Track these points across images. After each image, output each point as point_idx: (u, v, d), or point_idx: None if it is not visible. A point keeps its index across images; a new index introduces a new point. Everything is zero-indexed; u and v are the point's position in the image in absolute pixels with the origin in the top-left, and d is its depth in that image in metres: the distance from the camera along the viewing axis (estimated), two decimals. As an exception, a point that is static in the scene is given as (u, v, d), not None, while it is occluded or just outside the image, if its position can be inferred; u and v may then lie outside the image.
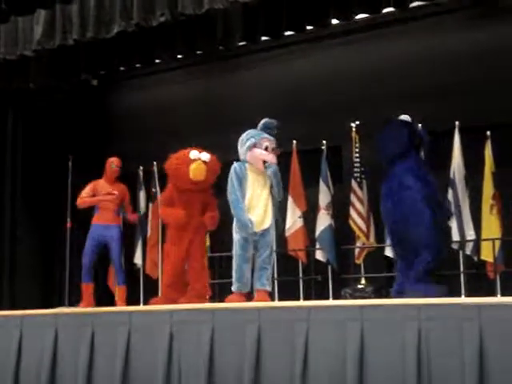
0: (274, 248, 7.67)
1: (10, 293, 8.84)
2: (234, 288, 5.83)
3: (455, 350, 4.36)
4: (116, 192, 7.35)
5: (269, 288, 5.78)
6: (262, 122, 6.01)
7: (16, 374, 5.81)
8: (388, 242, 7.93)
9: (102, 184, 7.43)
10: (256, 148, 5.87)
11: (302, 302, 5.43)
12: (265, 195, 5.83)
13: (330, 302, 5.39)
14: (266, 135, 5.93)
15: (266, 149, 5.88)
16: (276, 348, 4.93)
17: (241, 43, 8.07)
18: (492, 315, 4.34)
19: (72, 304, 6.86)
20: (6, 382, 5.80)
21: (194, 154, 6.20)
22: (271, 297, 5.84)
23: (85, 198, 7.26)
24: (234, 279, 5.84)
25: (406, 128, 5.92)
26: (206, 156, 6.24)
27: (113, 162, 7.47)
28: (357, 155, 8.19)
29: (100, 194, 7.36)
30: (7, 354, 5.87)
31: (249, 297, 5.79)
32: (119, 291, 7.51)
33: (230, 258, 8.52)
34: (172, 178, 6.35)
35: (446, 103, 7.74)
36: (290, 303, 5.27)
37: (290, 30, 7.73)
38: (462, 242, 7.43)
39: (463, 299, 5.07)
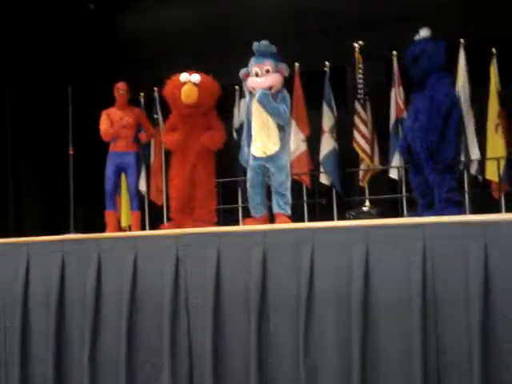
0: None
1: (16, 220, 8.91)
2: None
3: (460, 269, 4.37)
4: (130, 119, 7.34)
5: (286, 211, 5.74)
6: (253, 46, 5.85)
7: (25, 300, 5.86)
8: (393, 163, 7.93)
9: (114, 112, 7.41)
10: (249, 77, 5.78)
11: (306, 224, 5.43)
12: (266, 121, 5.73)
13: (335, 223, 5.37)
14: (255, 60, 5.78)
15: (257, 75, 5.73)
16: (281, 270, 4.95)
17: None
18: (497, 232, 4.33)
19: (77, 230, 6.87)
20: (15, 308, 5.85)
21: (183, 76, 6.05)
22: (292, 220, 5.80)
23: (106, 130, 7.29)
24: None
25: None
26: (195, 77, 6.05)
27: (119, 88, 7.41)
28: (360, 76, 8.08)
29: (115, 122, 7.35)
30: (15, 280, 5.90)
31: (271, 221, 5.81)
32: (134, 217, 7.60)
33: (236, 182, 8.66)
34: (170, 103, 6.28)
35: (450, 21, 7.58)
36: (294, 225, 5.27)
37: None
38: (467, 161, 7.40)
39: (468, 217, 5.06)
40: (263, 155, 5.70)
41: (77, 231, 6.81)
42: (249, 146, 5.86)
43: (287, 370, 4.84)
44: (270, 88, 5.68)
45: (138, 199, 7.67)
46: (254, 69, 5.75)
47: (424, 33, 5.65)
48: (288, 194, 5.73)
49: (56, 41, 9.30)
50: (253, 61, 5.79)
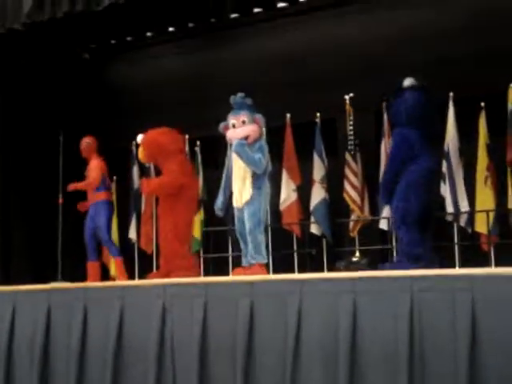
0: (268, 221, 7.79)
1: (4, 268, 8.84)
2: None
3: (447, 322, 4.36)
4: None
5: (259, 260, 5.72)
6: (230, 99, 6.00)
7: (9, 349, 5.82)
8: (383, 214, 7.94)
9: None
10: (227, 129, 5.94)
11: (294, 275, 5.43)
12: (243, 171, 5.82)
13: (323, 274, 5.37)
14: (232, 112, 5.94)
15: (234, 126, 5.88)
16: (269, 321, 4.93)
17: (233, 15, 7.99)
18: (484, 286, 4.33)
19: (65, 279, 6.85)
20: (0, 357, 5.80)
21: (138, 137, 6.56)
22: (266, 269, 5.79)
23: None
24: None
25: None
26: (139, 138, 6.54)
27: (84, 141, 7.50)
28: (351, 128, 8.14)
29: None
30: (0, 329, 5.86)
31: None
32: (116, 264, 7.54)
33: (224, 232, 8.65)
34: None
35: (440, 75, 7.67)
36: (282, 276, 5.26)
37: (284, 2, 7.65)
38: (456, 213, 7.42)
39: (455, 270, 5.06)
40: (239, 205, 5.76)
41: (64, 280, 6.78)
42: (223, 195, 6.06)
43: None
44: (247, 138, 5.80)
45: (113, 245, 7.58)
46: (231, 121, 5.92)
47: (407, 82, 5.75)
48: (258, 241, 5.71)
49: (48, 90, 9.36)
50: (230, 113, 5.96)
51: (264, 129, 6.09)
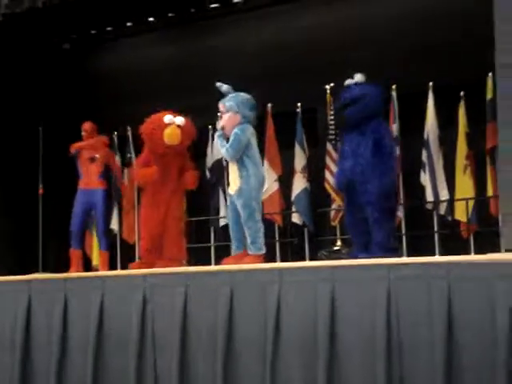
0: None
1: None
2: None
3: (424, 309, 4.40)
4: (97, 155, 7.32)
5: (254, 250, 5.71)
6: None
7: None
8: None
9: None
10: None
11: (273, 264, 5.44)
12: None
13: (302, 263, 5.40)
14: (220, 102, 5.94)
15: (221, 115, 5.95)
16: (248, 310, 4.95)
17: (212, 5, 7.98)
18: (461, 273, 4.37)
19: (46, 269, 6.85)
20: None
21: (168, 118, 6.16)
22: (261, 258, 5.78)
23: None
24: None
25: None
26: (180, 120, 6.21)
27: (84, 129, 7.44)
28: (331, 118, 8.16)
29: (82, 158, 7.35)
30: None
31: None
32: (102, 257, 7.49)
33: (207, 222, 8.68)
34: (147, 142, 6.33)
35: (419, 64, 7.72)
36: (261, 265, 5.27)
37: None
38: (436, 202, 7.48)
39: (432, 258, 5.09)
40: (231, 192, 5.79)
41: (45, 271, 6.77)
42: None
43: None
44: (223, 128, 5.86)
45: (106, 239, 7.56)
46: (220, 109, 5.96)
47: (358, 78, 5.83)
48: (254, 231, 5.72)
49: (28, 81, 9.31)
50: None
51: (251, 113, 6.00)
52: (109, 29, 8.79)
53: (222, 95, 5.93)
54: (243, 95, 5.94)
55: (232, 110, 5.83)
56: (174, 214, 6.25)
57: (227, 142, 5.79)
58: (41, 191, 7.40)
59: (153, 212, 6.25)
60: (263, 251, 5.75)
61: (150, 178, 6.19)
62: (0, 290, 5.91)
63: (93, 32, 8.73)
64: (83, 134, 7.41)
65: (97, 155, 7.34)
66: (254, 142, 5.85)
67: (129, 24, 8.66)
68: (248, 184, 5.71)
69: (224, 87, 5.94)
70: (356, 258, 5.37)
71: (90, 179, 7.32)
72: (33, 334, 5.71)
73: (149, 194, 6.34)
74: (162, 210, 6.21)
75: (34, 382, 5.68)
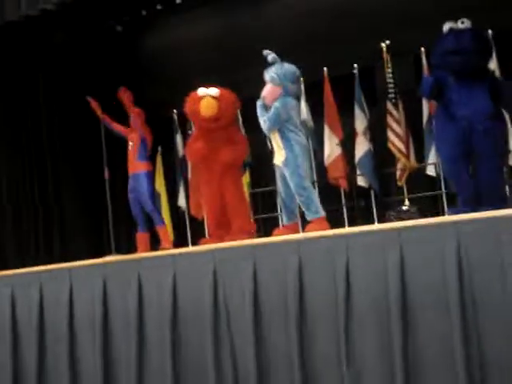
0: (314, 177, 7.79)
1: (61, 245, 9.09)
2: None
3: (497, 263, 4.30)
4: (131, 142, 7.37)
5: (313, 216, 5.73)
6: None
7: (70, 324, 5.98)
8: (429, 160, 7.83)
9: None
10: None
11: (338, 231, 5.38)
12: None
13: (367, 227, 5.32)
14: (265, 71, 5.91)
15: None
16: (317, 278, 4.94)
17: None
18: None
19: (119, 252, 6.99)
20: (62, 332, 5.98)
21: (201, 90, 6.17)
22: (323, 222, 5.77)
23: None
24: None
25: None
26: (214, 91, 6.16)
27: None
28: (390, 76, 8.02)
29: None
30: (59, 305, 6.03)
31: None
32: (160, 232, 7.53)
33: (272, 192, 8.68)
34: (191, 119, 6.38)
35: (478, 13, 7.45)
36: (325, 233, 5.24)
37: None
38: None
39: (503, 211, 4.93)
40: (278, 163, 5.78)
41: (118, 252, 6.91)
42: None
43: (331, 380, 4.82)
44: (264, 99, 5.83)
45: (158, 214, 7.57)
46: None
47: (466, 23, 5.44)
48: (306, 198, 5.70)
49: (84, 66, 9.47)
50: None
51: (293, 85, 5.95)
52: (158, 7, 8.82)
53: (269, 64, 5.90)
54: (287, 66, 5.88)
55: (274, 81, 5.80)
56: (230, 186, 6.26)
57: (266, 112, 5.78)
58: (107, 175, 7.51)
59: (209, 188, 6.29)
60: (322, 214, 5.75)
61: (198, 154, 6.22)
62: (76, 275, 6.05)
63: (143, 13, 8.79)
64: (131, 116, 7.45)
65: (131, 142, 7.38)
66: (294, 115, 5.83)
67: (178, 1, 8.68)
68: (293, 153, 5.69)
69: (270, 56, 5.88)
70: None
71: (131, 164, 7.38)
72: (110, 314, 5.82)
73: (202, 170, 6.38)
74: (217, 185, 6.23)
75: (116, 360, 5.80)
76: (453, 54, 5.21)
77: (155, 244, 7.46)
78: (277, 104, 5.70)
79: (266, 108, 5.82)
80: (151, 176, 7.56)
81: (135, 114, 7.37)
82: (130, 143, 7.37)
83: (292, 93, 5.86)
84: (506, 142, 5.85)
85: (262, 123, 5.80)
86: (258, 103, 5.86)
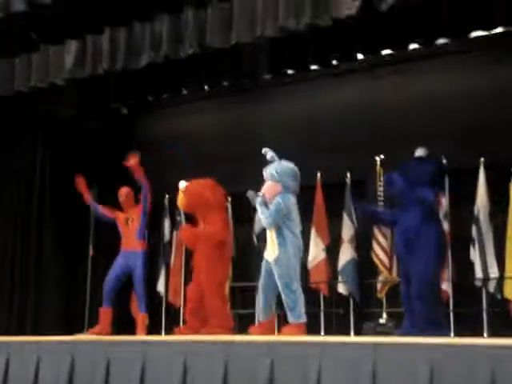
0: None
1: (34, 318, 8.91)
2: None
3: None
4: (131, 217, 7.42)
5: (294, 320, 5.72)
6: None
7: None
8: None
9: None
10: None
11: (314, 338, 5.38)
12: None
13: (343, 338, 5.32)
14: (264, 169, 6.11)
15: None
16: (288, 382, 4.90)
17: (266, 76, 8.16)
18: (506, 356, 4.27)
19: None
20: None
21: (180, 184, 6.57)
22: (302, 327, 5.76)
23: None
24: None
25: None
26: (182, 185, 6.53)
27: (120, 195, 7.62)
28: (380, 189, 8.16)
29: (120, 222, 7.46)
30: (25, 379, 5.92)
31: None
32: (140, 319, 7.45)
33: (253, 287, 8.66)
34: None
35: (471, 140, 7.70)
36: (302, 339, 5.23)
37: (316, 65, 7.80)
38: (485, 279, 7.34)
39: (474, 340, 4.98)
40: (270, 259, 5.82)
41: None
42: None
43: None
44: (263, 195, 5.97)
45: (145, 301, 7.46)
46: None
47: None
48: (292, 300, 5.70)
49: (86, 143, 9.59)
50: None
51: (293, 182, 6.08)
52: (165, 96, 9.05)
53: (267, 162, 6.04)
54: (285, 164, 6.02)
55: (273, 178, 5.93)
56: (212, 279, 6.28)
57: (266, 208, 5.87)
58: (91, 253, 7.53)
59: (194, 275, 6.32)
60: (303, 320, 5.73)
61: (184, 238, 6.44)
62: (44, 350, 5.98)
63: (150, 98, 9.01)
64: (120, 199, 7.55)
65: (130, 217, 7.42)
66: (294, 211, 5.91)
67: (184, 92, 8.91)
68: (286, 253, 5.75)
69: (269, 154, 6.03)
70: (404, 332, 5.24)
71: (128, 240, 7.38)
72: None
73: (202, 259, 6.43)
74: (199, 275, 6.26)
75: None
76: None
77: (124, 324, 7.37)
78: (278, 199, 5.82)
79: (266, 204, 5.90)
80: (147, 256, 7.54)
81: (146, 186, 7.43)
82: (129, 219, 7.39)
83: (292, 190, 5.97)
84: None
85: (264, 219, 5.86)
86: (257, 200, 5.93)
